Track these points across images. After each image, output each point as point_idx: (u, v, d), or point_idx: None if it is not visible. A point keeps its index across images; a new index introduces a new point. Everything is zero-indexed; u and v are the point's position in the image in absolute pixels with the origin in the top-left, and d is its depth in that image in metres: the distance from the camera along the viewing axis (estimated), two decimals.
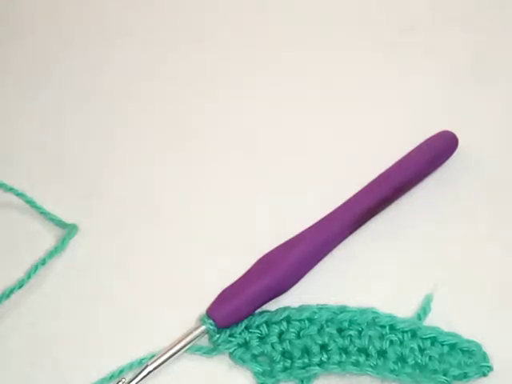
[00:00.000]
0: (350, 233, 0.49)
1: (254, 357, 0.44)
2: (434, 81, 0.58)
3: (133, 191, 0.53)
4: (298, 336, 0.45)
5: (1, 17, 0.65)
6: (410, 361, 0.43)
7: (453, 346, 0.44)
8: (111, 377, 0.44)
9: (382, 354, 0.44)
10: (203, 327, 0.44)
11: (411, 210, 0.51)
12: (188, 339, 0.44)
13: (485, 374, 0.43)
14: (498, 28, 0.62)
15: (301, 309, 0.45)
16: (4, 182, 0.51)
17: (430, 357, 0.43)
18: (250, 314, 0.45)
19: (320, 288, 0.47)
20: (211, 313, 0.44)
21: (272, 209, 0.51)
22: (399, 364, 0.43)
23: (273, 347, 0.44)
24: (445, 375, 0.42)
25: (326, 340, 0.44)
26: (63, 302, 0.47)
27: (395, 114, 0.56)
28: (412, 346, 0.44)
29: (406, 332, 0.44)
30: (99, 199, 0.52)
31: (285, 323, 0.45)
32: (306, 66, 0.60)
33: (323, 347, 0.44)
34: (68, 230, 0.50)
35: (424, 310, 0.45)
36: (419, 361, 0.43)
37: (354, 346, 0.44)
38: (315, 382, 0.44)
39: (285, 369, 0.44)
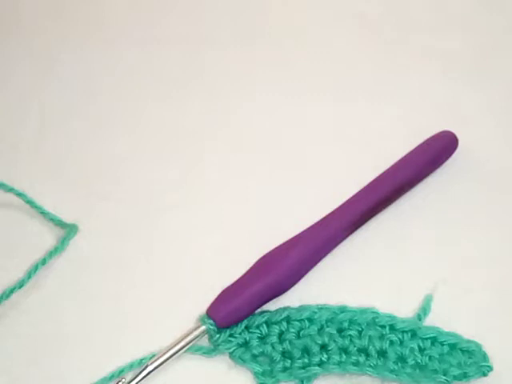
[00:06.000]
0: (350, 233, 0.49)
1: (254, 357, 0.44)
2: (434, 81, 0.58)
3: (133, 191, 0.53)
4: (298, 336, 0.45)
5: (1, 16, 0.65)
6: (410, 361, 0.43)
7: (453, 346, 0.44)
8: (111, 377, 0.44)
9: (381, 353, 0.44)
10: (203, 327, 0.44)
11: (411, 210, 0.51)
12: (188, 339, 0.44)
13: (485, 374, 0.43)
14: (498, 28, 0.62)
15: (301, 309, 0.45)
16: (4, 182, 0.51)
17: (430, 357, 0.43)
18: (250, 313, 0.45)
19: (320, 288, 0.47)
20: (211, 313, 0.44)
21: (272, 209, 0.51)
22: (399, 364, 0.43)
23: (273, 347, 0.44)
24: (445, 375, 0.42)
25: (326, 340, 0.44)
26: (63, 302, 0.47)
27: (395, 114, 0.56)
28: (412, 346, 0.44)
29: (406, 332, 0.44)
30: (99, 199, 0.52)
31: (285, 323, 0.45)
32: (306, 66, 0.60)
33: (323, 347, 0.44)
34: (68, 230, 0.50)
35: (424, 310, 0.45)
36: (419, 361, 0.43)
37: (354, 346, 0.44)
38: (315, 382, 0.44)
39: (285, 369, 0.44)
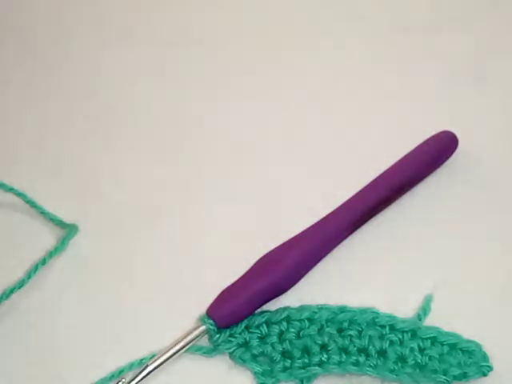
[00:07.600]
0: (350, 233, 0.49)
1: (254, 357, 0.44)
2: (434, 81, 0.58)
3: (133, 191, 0.53)
4: (298, 336, 0.45)
5: (1, 16, 0.65)
6: (410, 361, 0.43)
7: (453, 346, 0.44)
8: (111, 377, 0.44)
9: (381, 354, 0.44)
10: (203, 327, 0.44)
11: (411, 210, 0.51)
12: (188, 339, 0.44)
13: (485, 374, 0.43)
14: (498, 28, 0.62)
15: (301, 309, 0.45)
16: (4, 181, 0.51)
17: (430, 357, 0.43)
18: (250, 313, 0.45)
19: (320, 288, 0.47)
20: (211, 313, 0.44)
21: (272, 209, 0.51)
22: (399, 364, 0.43)
23: (273, 347, 0.44)
24: (445, 375, 0.42)
25: (326, 340, 0.44)
26: (63, 302, 0.47)
27: (395, 114, 0.56)
28: (412, 346, 0.44)
29: (406, 332, 0.44)
30: (99, 199, 0.52)
31: (285, 323, 0.45)
32: (306, 65, 0.60)
33: (323, 347, 0.44)
34: (68, 230, 0.50)
35: (424, 310, 0.45)
36: (419, 361, 0.43)
37: (354, 346, 0.44)
38: (315, 382, 0.44)
39: (285, 369, 0.44)
